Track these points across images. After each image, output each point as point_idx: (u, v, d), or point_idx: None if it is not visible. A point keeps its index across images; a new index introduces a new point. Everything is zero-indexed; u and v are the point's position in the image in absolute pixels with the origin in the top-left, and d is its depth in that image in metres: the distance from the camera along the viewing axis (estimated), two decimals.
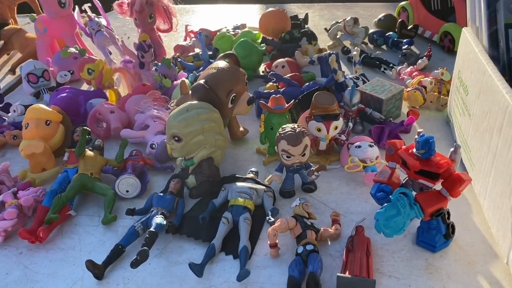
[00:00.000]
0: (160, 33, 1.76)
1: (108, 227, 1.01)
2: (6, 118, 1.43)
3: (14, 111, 1.41)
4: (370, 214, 0.98)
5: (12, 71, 1.86)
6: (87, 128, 1.11)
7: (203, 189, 1.06)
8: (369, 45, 1.83)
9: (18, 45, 1.93)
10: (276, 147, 1.00)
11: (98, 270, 0.87)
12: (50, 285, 0.87)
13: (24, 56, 1.89)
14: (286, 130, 0.97)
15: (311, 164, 1.03)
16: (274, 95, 1.15)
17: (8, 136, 1.32)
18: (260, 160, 1.19)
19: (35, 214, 1.01)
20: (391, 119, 1.26)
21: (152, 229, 0.89)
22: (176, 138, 1.00)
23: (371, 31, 1.82)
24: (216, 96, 1.07)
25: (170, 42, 1.98)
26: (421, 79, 1.40)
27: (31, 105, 1.44)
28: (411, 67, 1.52)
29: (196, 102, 1.03)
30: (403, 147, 0.88)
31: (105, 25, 1.74)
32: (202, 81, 1.07)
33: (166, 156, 1.17)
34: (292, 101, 1.15)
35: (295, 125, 0.98)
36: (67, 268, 0.91)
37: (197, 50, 1.74)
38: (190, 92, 1.14)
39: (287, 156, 0.98)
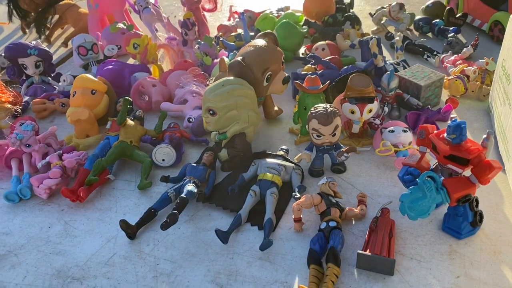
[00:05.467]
0: (204, 13, 1.79)
1: (143, 192, 1.06)
2: (57, 87, 1.52)
3: (64, 80, 1.49)
4: (397, 198, 0.96)
5: (65, 44, 1.96)
6: (129, 98, 1.17)
7: (234, 163, 1.09)
8: (414, 32, 1.79)
9: (71, 19, 2.03)
10: (307, 126, 1.01)
11: (130, 230, 0.92)
12: (87, 241, 0.94)
13: (76, 30, 1.98)
14: (318, 110, 0.98)
15: (342, 145, 1.04)
16: (309, 76, 1.16)
17: (57, 103, 1.40)
18: (292, 140, 1.21)
19: (77, 175, 1.08)
20: (429, 106, 1.24)
21: (183, 195, 0.94)
22: (211, 112, 1.04)
23: (417, 17, 1.78)
24: (251, 74, 1.09)
25: (215, 22, 2.02)
26: (464, 68, 1.36)
27: (72, 76, 1.53)
28: (455, 55, 1.48)
29: (232, 78, 1.06)
30: (434, 132, 0.88)
31: (153, 2, 1.80)
32: (239, 58, 1.09)
33: (202, 130, 1.21)
34: (327, 82, 1.16)
35: (328, 105, 0.99)
36: (103, 226, 0.97)
37: (239, 31, 1.77)
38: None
39: (317, 135, 0.99)
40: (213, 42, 1.48)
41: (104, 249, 0.91)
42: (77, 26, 2.00)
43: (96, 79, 1.28)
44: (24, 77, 1.51)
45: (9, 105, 1.24)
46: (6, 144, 1.19)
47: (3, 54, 1.80)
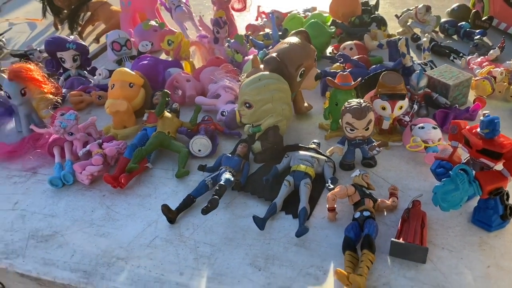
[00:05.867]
0: (233, 12, 1.84)
1: (181, 180, 1.11)
2: (92, 80, 1.57)
3: (99, 74, 1.55)
4: (427, 191, 1.01)
5: (97, 40, 2.02)
6: (167, 91, 1.21)
7: (267, 155, 1.13)
8: (440, 34, 1.81)
9: (103, 16, 2.09)
10: (340, 120, 1.05)
11: (171, 215, 0.97)
12: (128, 224, 0.99)
13: (107, 27, 2.05)
14: (352, 104, 1.02)
15: (373, 140, 1.07)
16: (341, 72, 1.19)
17: (94, 95, 1.46)
18: (322, 135, 1.24)
19: (117, 164, 1.13)
20: (457, 105, 1.27)
21: (222, 182, 0.98)
22: (247, 105, 1.08)
23: (442, 20, 1.80)
24: (286, 69, 1.13)
25: (241, 22, 2.06)
26: (491, 69, 1.38)
27: (115, 70, 1.58)
28: (482, 57, 1.50)
29: (267, 73, 1.10)
30: (467, 127, 0.91)
31: (184, 1, 1.85)
32: (274, 54, 1.14)
33: (234, 123, 1.25)
34: (359, 79, 1.20)
35: (361, 100, 1.03)
36: (143, 211, 1.02)
37: (267, 30, 1.81)
38: (261, 66, 1.22)
39: (350, 129, 1.03)
40: (243, 40, 1.53)
41: (145, 232, 0.96)
42: (108, 23, 2.06)
43: (134, 73, 1.33)
44: (61, 70, 1.57)
45: (51, 96, 1.30)
46: (47, 133, 1.24)
47: (38, 49, 1.88)
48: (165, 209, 0.96)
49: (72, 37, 1.54)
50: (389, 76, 1.12)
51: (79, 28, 2.12)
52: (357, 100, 1.03)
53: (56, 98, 1.32)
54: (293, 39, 1.18)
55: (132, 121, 1.30)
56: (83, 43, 1.54)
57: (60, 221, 1.01)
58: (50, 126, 1.27)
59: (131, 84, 1.31)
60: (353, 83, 1.18)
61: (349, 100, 1.04)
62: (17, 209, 1.05)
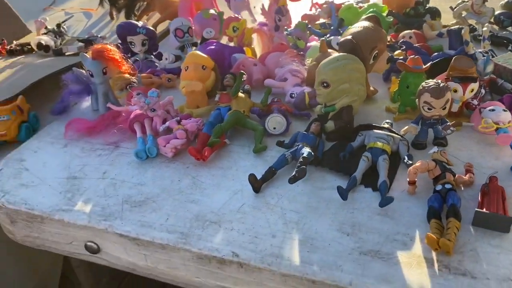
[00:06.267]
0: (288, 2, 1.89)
1: (258, 155, 1.17)
2: (158, 65, 1.64)
3: (166, 58, 1.62)
4: (501, 169, 1.05)
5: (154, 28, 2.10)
6: (244, 72, 1.27)
7: (340, 134, 1.18)
8: (494, 26, 1.83)
9: (159, 6, 2.17)
10: (417, 100, 1.09)
11: (257, 184, 1.03)
12: (216, 192, 1.05)
13: (163, 17, 2.13)
14: (430, 84, 1.06)
15: (447, 120, 1.11)
16: (412, 56, 1.24)
17: (164, 78, 1.53)
18: (388, 118, 1.28)
19: (197, 139, 1.20)
20: None
21: (305, 155, 1.04)
22: (325, 84, 1.13)
23: (497, 12, 1.83)
24: (360, 52, 1.18)
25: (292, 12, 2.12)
26: None
27: (179, 55, 1.66)
28: None
29: (345, 54, 1.15)
30: None
31: None
32: (349, 37, 1.18)
33: (303, 105, 1.30)
34: (429, 63, 1.24)
35: (439, 81, 1.07)
36: (227, 182, 1.08)
37: (321, 20, 1.87)
38: (329, 49, 1.27)
39: (428, 108, 1.07)
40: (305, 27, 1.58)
41: (233, 200, 1.02)
42: (164, 13, 2.14)
43: (206, 56, 1.39)
44: (129, 55, 1.64)
45: (128, 76, 1.37)
46: (125, 111, 1.32)
47: (100, 36, 1.97)
48: (253, 178, 1.02)
49: (141, 23, 1.62)
50: (461, 60, 1.16)
51: (135, 18, 2.20)
52: (435, 80, 1.07)
53: (132, 78, 1.39)
54: (365, 23, 1.23)
55: (205, 101, 1.37)
56: (152, 28, 1.61)
57: (150, 189, 1.07)
58: (127, 104, 1.34)
59: (204, 67, 1.37)
60: (424, 66, 1.22)
61: (426, 81, 1.08)
62: (107, 178, 1.12)
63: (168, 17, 2.10)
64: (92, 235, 1.01)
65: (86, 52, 1.33)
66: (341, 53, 1.16)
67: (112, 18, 2.35)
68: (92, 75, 1.33)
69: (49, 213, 1.03)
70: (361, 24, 1.23)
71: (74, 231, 1.03)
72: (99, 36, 1.97)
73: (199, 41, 1.74)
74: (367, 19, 1.27)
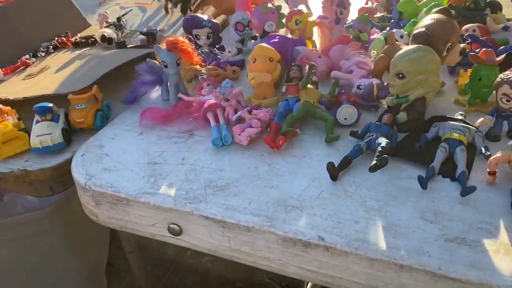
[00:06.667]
0: None
1: (330, 145, 1.19)
2: (220, 57, 1.69)
3: (229, 51, 1.67)
4: None
5: None
6: (314, 63, 1.30)
7: (412, 125, 1.19)
8: None
9: (214, 1, 2.22)
10: (494, 92, 1.10)
11: (335, 172, 1.06)
12: (293, 179, 1.08)
13: (218, 11, 2.17)
14: (509, 76, 1.06)
15: None
16: (485, 49, 1.24)
17: (229, 70, 1.57)
18: (458, 110, 1.28)
19: (270, 128, 1.23)
20: None
21: (383, 145, 1.06)
22: (400, 75, 1.15)
23: None
24: (435, 44, 1.18)
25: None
26: None
27: (240, 48, 1.69)
28: None
29: (420, 45, 1.16)
30: None
31: None
32: (423, 29, 1.19)
33: (371, 96, 1.32)
34: (502, 55, 1.23)
35: None
36: (303, 169, 1.11)
37: (378, 14, 1.87)
38: (397, 42, 1.28)
39: (506, 100, 1.07)
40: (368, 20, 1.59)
41: (311, 187, 1.05)
42: (219, 8, 2.19)
43: (273, 49, 1.43)
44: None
45: (198, 67, 1.42)
46: (196, 101, 1.37)
47: (158, 29, 2.03)
48: (331, 166, 1.05)
49: (205, 16, 1.66)
50: None
51: (190, 12, 2.26)
52: None
53: (202, 69, 1.44)
54: (437, 16, 1.24)
55: (272, 92, 1.40)
56: (216, 22, 1.66)
57: (229, 175, 1.11)
58: (198, 94, 1.39)
59: (271, 59, 1.41)
60: (497, 59, 1.22)
61: (504, 73, 1.09)
62: (186, 164, 1.17)
63: (223, 12, 2.15)
64: (176, 217, 1.06)
65: (150, 44, 1.38)
66: (416, 45, 1.17)
67: (167, 12, 2.41)
68: (166, 66, 1.38)
69: (135, 196, 1.08)
70: (434, 17, 1.24)
71: (158, 213, 1.08)
72: (158, 29, 2.04)
73: (258, 35, 1.78)
74: (439, 11, 1.27)
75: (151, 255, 1.07)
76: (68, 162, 1.26)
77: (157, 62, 1.42)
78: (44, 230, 1.61)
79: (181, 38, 1.38)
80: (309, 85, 1.30)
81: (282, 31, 1.87)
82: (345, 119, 1.24)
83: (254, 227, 0.97)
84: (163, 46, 1.37)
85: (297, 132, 1.23)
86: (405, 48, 1.17)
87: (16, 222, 1.56)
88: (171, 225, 1.09)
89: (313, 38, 1.71)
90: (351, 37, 1.60)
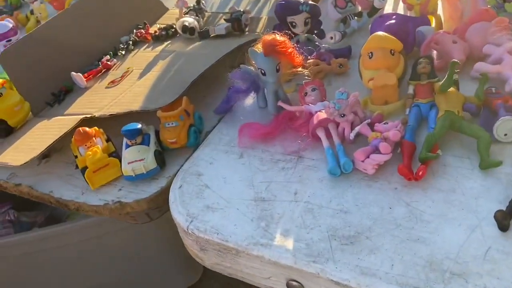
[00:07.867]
0: None
1: (487, 172, 0.92)
2: (318, 45, 1.42)
3: (331, 38, 1.40)
4: None
5: None
6: (457, 61, 1.00)
7: None
8: None
9: None
10: None
11: (506, 222, 0.80)
12: (444, 228, 0.84)
13: None
14: None
15: None
16: None
17: (334, 64, 1.31)
18: None
19: (401, 150, 0.98)
20: None
21: None
22: None
23: None
24: None
25: None
26: None
27: (344, 32, 1.42)
28: None
29: None
30: None
31: None
32: None
33: None
34: None
35: None
36: (455, 212, 0.86)
37: None
38: None
39: None
40: None
41: (472, 240, 0.80)
42: None
43: (394, 38, 1.14)
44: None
45: (301, 69, 1.18)
46: (299, 110, 1.15)
47: (242, 10, 1.79)
48: (501, 215, 0.79)
49: None
50: None
51: None
52: None
53: (304, 71, 1.20)
54: None
55: (395, 96, 1.13)
56: (315, 4, 1.39)
57: (357, 219, 0.90)
58: (301, 102, 1.17)
59: (392, 51, 1.12)
60: None
61: None
62: (300, 201, 0.97)
63: None
64: (297, 275, 0.88)
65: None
66: None
67: None
68: (264, 73, 1.16)
69: (246, 247, 0.91)
70: None
71: (275, 268, 0.90)
72: (242, 10, 1.80)
73: (365, 12, 1.48)
74: None
75: None
76: (164, 191, 1.13)
77: (252, 68, 1.21)
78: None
79: (279, 37, 1.14)
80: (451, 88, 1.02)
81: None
82: (505, 135, 0.95)
83: None
84: (259, 49, 1.14)
85: (438, 155, 0.97)
86: None
87: None
88: (291, 281, 0.91)
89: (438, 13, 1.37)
90: (489, 6, 1.25)
